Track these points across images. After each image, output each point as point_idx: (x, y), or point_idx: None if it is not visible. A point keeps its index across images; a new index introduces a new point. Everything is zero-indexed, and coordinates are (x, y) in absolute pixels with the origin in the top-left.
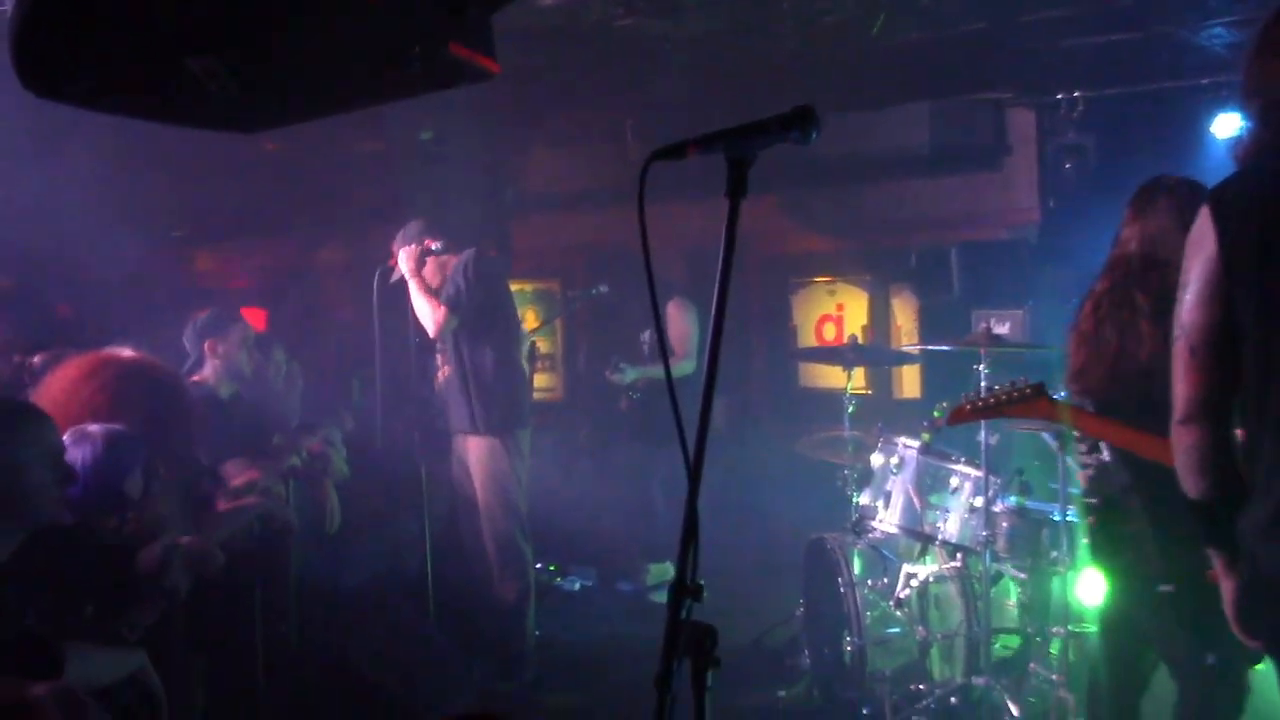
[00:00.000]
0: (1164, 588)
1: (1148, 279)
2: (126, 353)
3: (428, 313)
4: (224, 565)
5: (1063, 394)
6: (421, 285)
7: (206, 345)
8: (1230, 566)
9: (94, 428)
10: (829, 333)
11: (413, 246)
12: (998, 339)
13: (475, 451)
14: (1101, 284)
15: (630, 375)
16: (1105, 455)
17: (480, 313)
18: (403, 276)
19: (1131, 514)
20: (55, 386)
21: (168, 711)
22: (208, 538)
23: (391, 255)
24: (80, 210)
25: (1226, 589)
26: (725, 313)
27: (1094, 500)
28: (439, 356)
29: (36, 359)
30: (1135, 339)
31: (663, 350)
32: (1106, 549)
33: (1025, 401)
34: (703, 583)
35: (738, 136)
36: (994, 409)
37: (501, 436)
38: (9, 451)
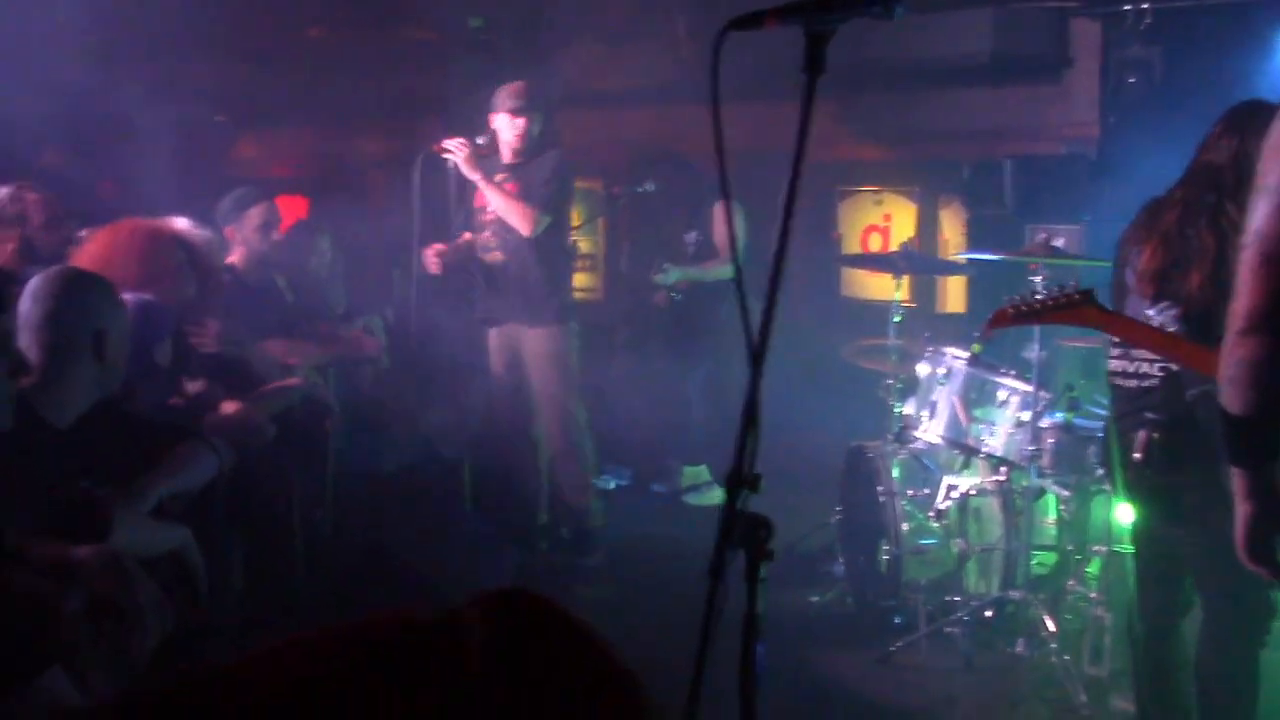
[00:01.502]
0: None
1: (1240, 191)
2: (165, 222)
3: (519, 214)
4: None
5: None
6: (496, 188)
7: (226, 231)
8: (1253, 490)
9: (125, 295)
10: (874, 243)
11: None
12: (1056, 250)
13: (535, 342)
14: (1184, 191)
15: (673, 276)
16: (1174, 365)
17: (560, 211)
18: (455, 165)
19: (1203, 428)
20: (92, 254)
21: (207, 590)
22: (253, 411)
23: (436, 142)
24: (126, 92)
25: (1243, 512)
26: (799, 188)
27: (1159, 415)
28: (487, 237)
29: (84, 232)
30: (1235, 249)
31: (731, 239)
32: (1167, 467)
33: (1072, 308)
34: (760, 474)
35: (818, 8)
36: (1038, 314)
37: (562, 326)
38: (97, 319)
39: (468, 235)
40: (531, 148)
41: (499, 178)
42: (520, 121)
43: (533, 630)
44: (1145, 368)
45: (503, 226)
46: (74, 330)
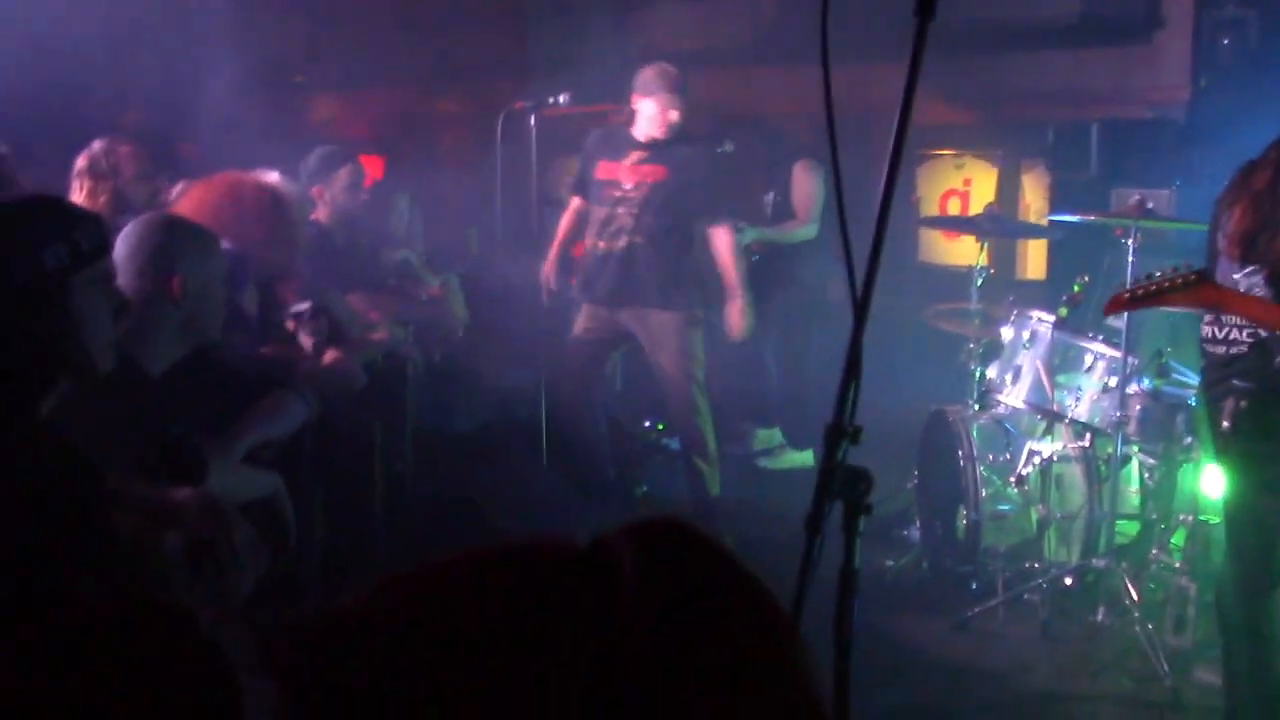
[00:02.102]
0: None
1: None
2: (258, 175)
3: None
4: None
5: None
6: None
7: (314, 191)
8: None
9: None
10: (953, 207)
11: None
12: (1148, 212)
13: (663, 327)
14: (1278, 151)
15: (750, 236)
16: (1263, 331)
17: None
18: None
19: None
20: (188, 205)
21: (295, 537)
22: (350, 360)
23: (516, 101)
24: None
25: None
26: (906, 134)
27: (1247, 383)
28: (622, 215)
29: (177, 188)
30: None
31: (839, 197)
32: (1255, 435)
33: (1188, 289)
34: (860, 426)
35: None
36: (1154, 296)
37: (691, 312)
38: (202, 272)
39: (573, 200)
40: (675, 132)
41: (635, 156)
42: (674, 112)
43: (684, 560)
44: (1235, 334)
45: (640, 207)
46: (162, 275)
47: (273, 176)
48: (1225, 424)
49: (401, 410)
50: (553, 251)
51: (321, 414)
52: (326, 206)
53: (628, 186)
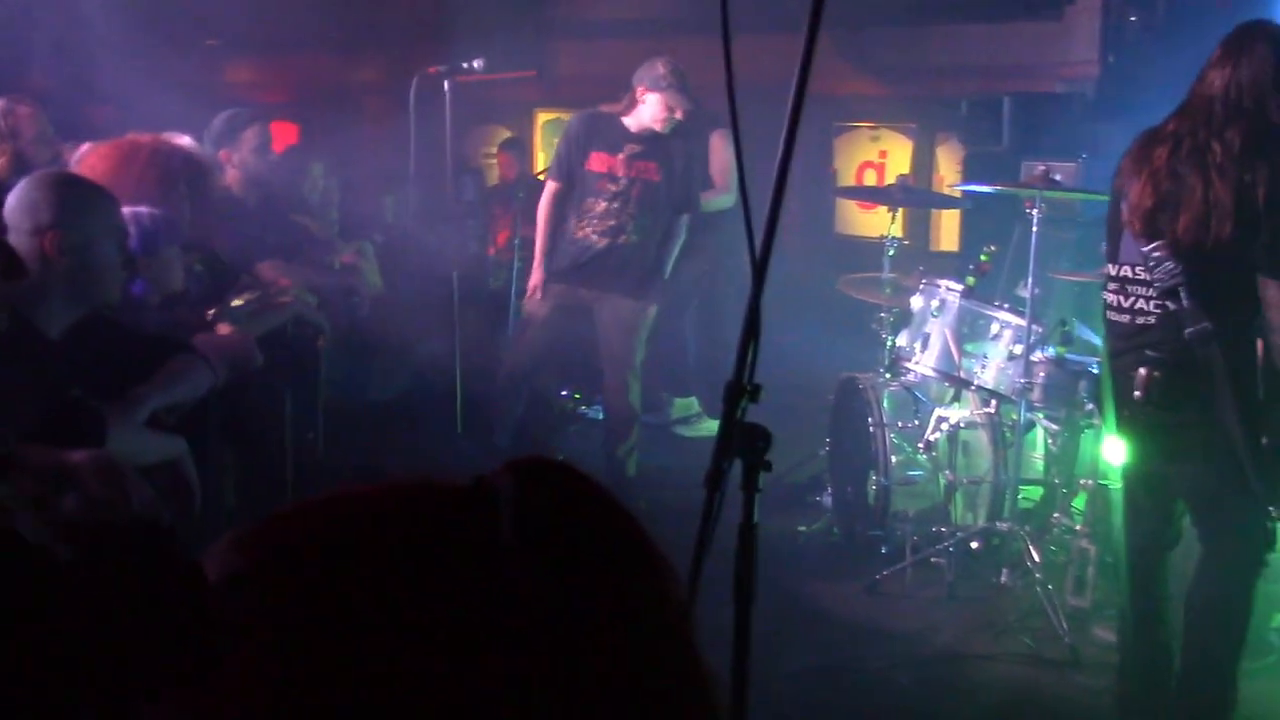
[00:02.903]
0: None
1: (1229, 127)
2: (166, 138)
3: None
4: (261, 364)
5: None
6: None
7: (222, 154)
8: None
9: (127, 209)
10: (870, 179)
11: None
12: (1054, 183)
13: (622, 312)
14: (1176, 124)
15: None
16: (1184, 302)
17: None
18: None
19: (1201, 366)
20: (92, 166)
21: (200, 503)
22: (245, 338)
23: (431, 64)
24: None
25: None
26: (803, 101)
27: (1159, 354)
28: (617, 210)
29: (79, 151)
30: (1223, 188)
31: (740, 170)
32: (1165, 404)
33: None
34: (760, 384)
35: None
36: None
37: (655, 304)
38: (82, 228)
39: (553, 184)
40: (672, 128)
41: (629, 149)
42: (679, 111)
43: (567, 500)
44: (1142, 304)
45: (637, 204)
46: (61, 236)
47: (184, 140)
48: (1137, 393)
49: (314, 377)
50: (539, 251)
51: (230, 380)
52: (236, 170)
53: (624, 181)
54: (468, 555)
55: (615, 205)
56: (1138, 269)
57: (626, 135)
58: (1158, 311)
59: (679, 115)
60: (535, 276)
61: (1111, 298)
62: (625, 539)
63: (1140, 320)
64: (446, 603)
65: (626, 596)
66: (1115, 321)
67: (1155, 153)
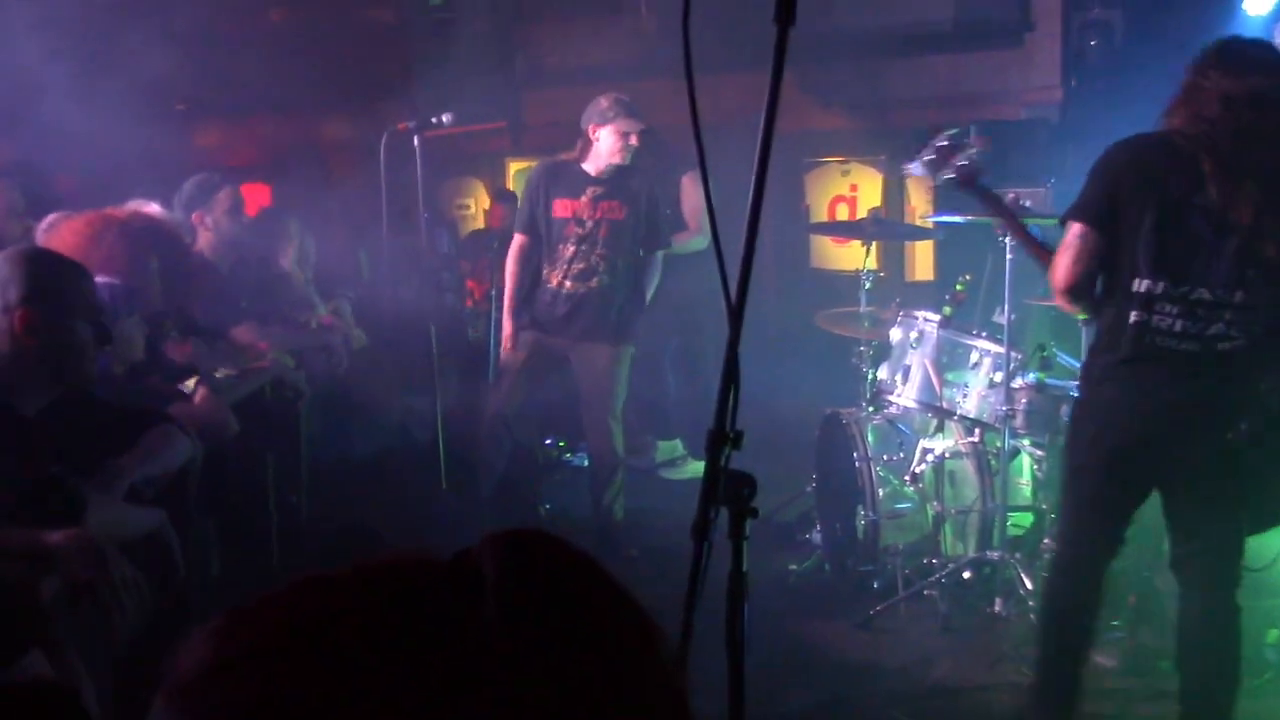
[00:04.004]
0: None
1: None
2: (134, 207)
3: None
4: (237, 431)
5: None
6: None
7: (194, 217)
8: None
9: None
10: (842, 213)
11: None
12: (1025, 210)
13: (601, 358)
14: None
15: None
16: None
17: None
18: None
19: None
20: (61, 240)
21: (184, 573)
22: (218, 406)
23: (400, 121)
24: (80, 83)
25: None
26: (773, 136)
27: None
28: (597, 257)
29: (44, 223)
30: None
31: (710, 211)
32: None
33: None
34: (742, 430)
35: None
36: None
37: (631, 346)
38: (53, 304)
39: (519, 236)
40: (632, 157)
41: (591, 192)
42: (633, 136)
43: (550, 574)
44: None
45: (607, 246)
46: (31, 314)
47: (153, 207)
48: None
49: (295, 439)
50: (508, 303)
51: (211, 447)
52: (209, 232)
53: (589, 225)
54: (450, 637)
55: (584, 248)
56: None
57: (587, 179)
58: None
59: (634, 141)
60: (506, 328)
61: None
62: (612, 610)
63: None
64: (428, 688)
65: (616, 669)
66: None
67: None
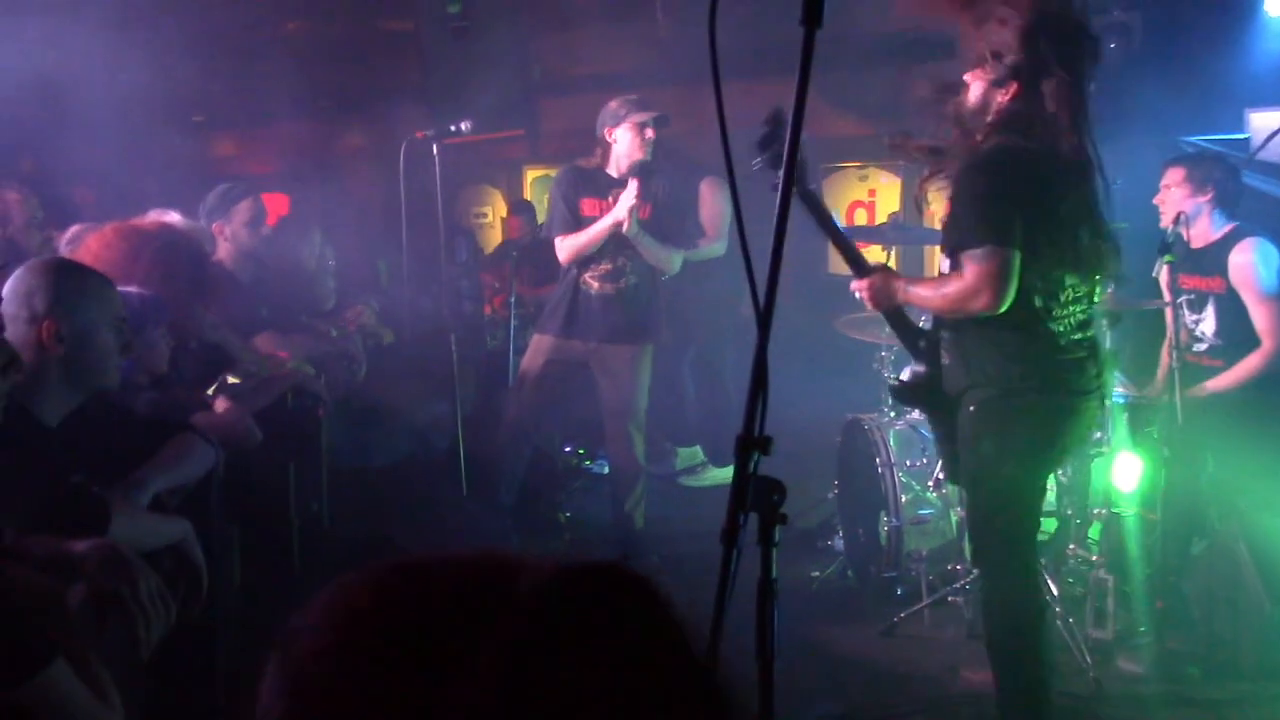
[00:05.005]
0: None
1: None
2: (155, 217)
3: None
4: (260, 440)
5: None
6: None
7: (214, 228)
8: None
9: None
10: (860, 219)
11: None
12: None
13: (622, 358)
14: None
15: (677, 259)
16: None
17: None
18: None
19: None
20: (94, 255)
21: (208, 582)
22: (242, 415)
23: (418, 130)
24: (99, 97)
25: None
26: (799, 142)
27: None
28: (622, 262)
29: (67, 235)
30: None
31: (738, 216)
32: None
33: None
34: (771, 436)
35: None
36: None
37: (654, 344)
38: (78, 314)
39: (561, 237)
40: (653, 151)
41: (616, 193)
42: (650, 130)
43: (613, 614)
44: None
45: (633, 245)
46: (57, 324)
47: (171, 216)
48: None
49: (316, 448)
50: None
51: (232, 456)
52: (229, 243)
53: (631, 236)
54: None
55: (611, 249)
56: None
57: (611, 181)
58: None
59: (651, 134)
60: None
61: None
62: (673, 656)
63: None
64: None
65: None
66: None
67: None
